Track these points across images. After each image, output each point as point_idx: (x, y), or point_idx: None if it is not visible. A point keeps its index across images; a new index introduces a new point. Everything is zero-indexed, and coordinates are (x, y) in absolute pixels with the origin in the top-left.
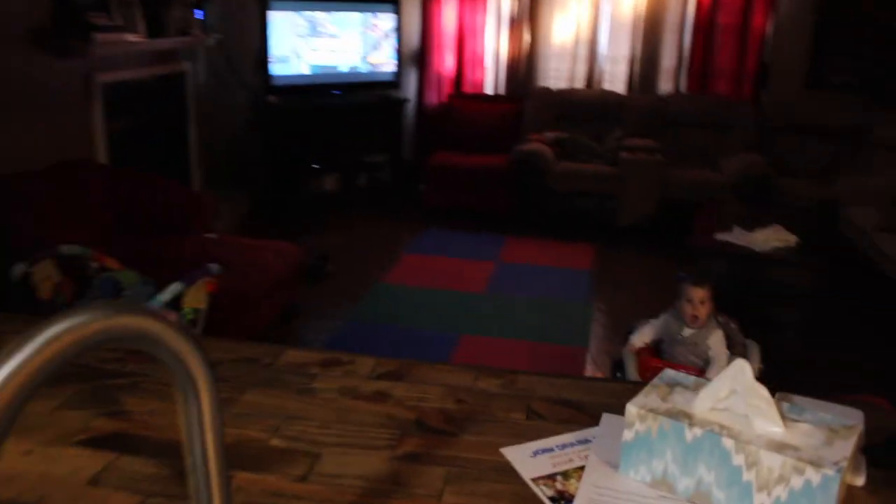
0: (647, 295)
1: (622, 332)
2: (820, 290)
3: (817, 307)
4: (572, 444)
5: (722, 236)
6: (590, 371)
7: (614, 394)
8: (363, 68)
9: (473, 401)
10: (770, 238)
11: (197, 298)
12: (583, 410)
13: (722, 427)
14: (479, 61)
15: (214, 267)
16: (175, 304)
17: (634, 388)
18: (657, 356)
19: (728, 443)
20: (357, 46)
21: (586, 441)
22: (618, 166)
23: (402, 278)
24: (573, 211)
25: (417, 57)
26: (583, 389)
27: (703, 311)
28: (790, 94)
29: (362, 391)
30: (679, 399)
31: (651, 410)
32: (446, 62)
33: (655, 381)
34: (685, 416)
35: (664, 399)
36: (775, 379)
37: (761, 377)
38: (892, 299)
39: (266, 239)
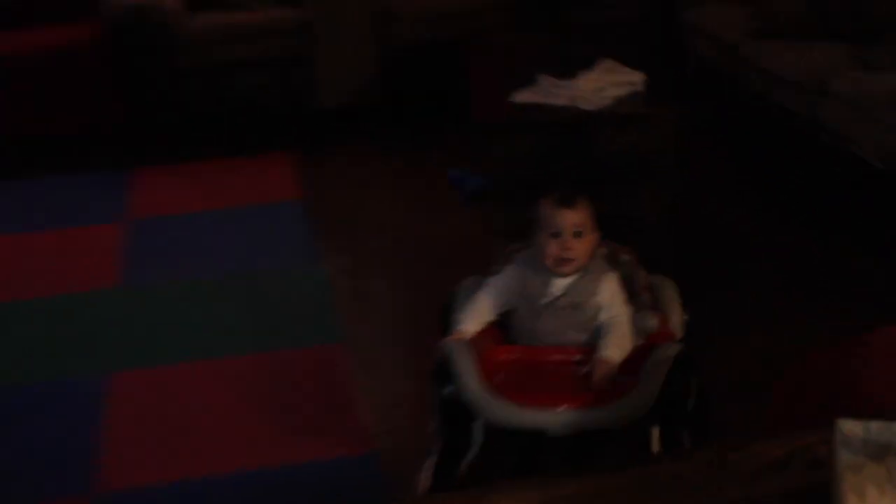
0: (412, 225)
1: (405, 308)
2: (689, 149)
3: (693, 175)
4: None
5: (523, 97)
6: (362, 383)
7: (673, 480)
8: None
9: None
10: (604, 84)
11: None
12: None
13: None
14: None
15: None
16: None
17: (723, 466)
18: (508, 340)
19: None
20: None
21: None
22: (300, 4)
23: None
24: (239, 99)
25: None
26: (617, 490)
27: (579, 247)
28: None
29: None
30: None
31: None
32: None
33: (844, 455)
34: None
35: (890, 490)
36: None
37: (687, 334)
38: (788, 135)
39: None
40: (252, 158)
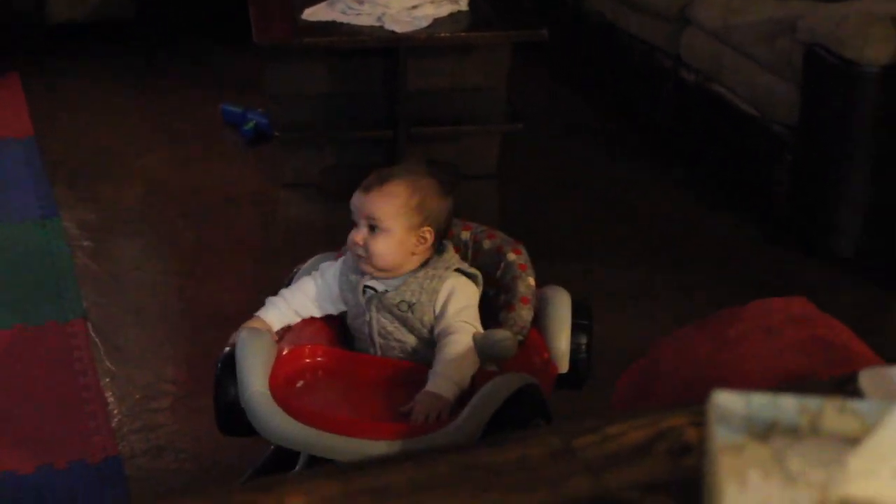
0: (173, 172)
1: (162, 276)
2: (524, 85)
3: (529, 117)
4: None
5: (316, 13)
6: (106, 370)
7: (515, 469)
8: None
9: None
10: (419, 1)
11: None
12: None
13: None
14: None
15: None
16: None
17: (570, 453)
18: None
19: None
20: None
21: None
22: None
23: None
24: None
25: None
26: (441, 480)
27: (373, 245)
28: None
29: None
30: (804, 465)
31: None
32: None
33: (721, 433)
34: None
35: (776, 475)
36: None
37: (575, 368)
38: (645, 70)
39: None
40: None
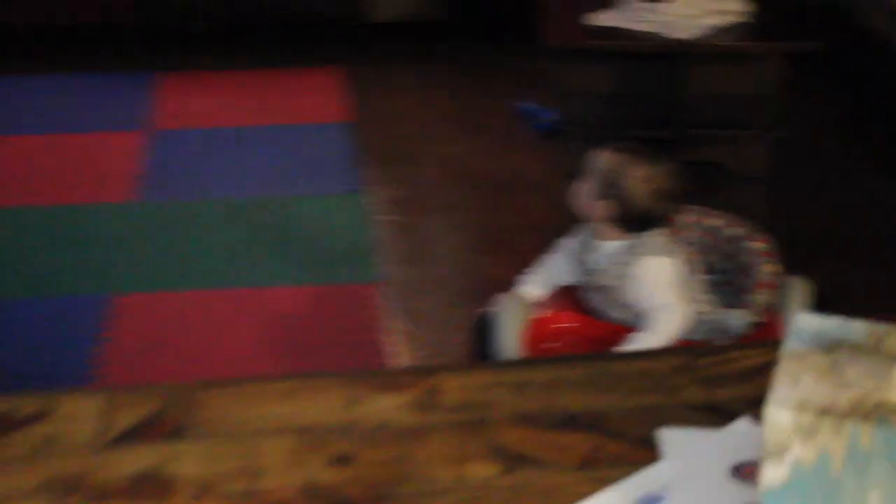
0: (472, 159)
1: (457, 250)
2: (795, 96)
3: (799, 127)
4: None
5: (601, 18)
6: (401, 340)
7: (639, 378)
8: None
9: (373, 452)
10: (699, 8)
11: None
12: (608, 432)
13: None
14: None
15: None
16: None
17: (691, 370)
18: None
19: None
20: None
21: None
22: None
23: None
24: (284, 4)
25: None
26: (574, 380)
27: (581, 194)
28: None
29: None
30: (858, 375)
31: (824, 411)
32: None
33: (793, 341)
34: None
35: (829, 379)
36: None
37: None
38: None
39: None
40: (296, 72)
